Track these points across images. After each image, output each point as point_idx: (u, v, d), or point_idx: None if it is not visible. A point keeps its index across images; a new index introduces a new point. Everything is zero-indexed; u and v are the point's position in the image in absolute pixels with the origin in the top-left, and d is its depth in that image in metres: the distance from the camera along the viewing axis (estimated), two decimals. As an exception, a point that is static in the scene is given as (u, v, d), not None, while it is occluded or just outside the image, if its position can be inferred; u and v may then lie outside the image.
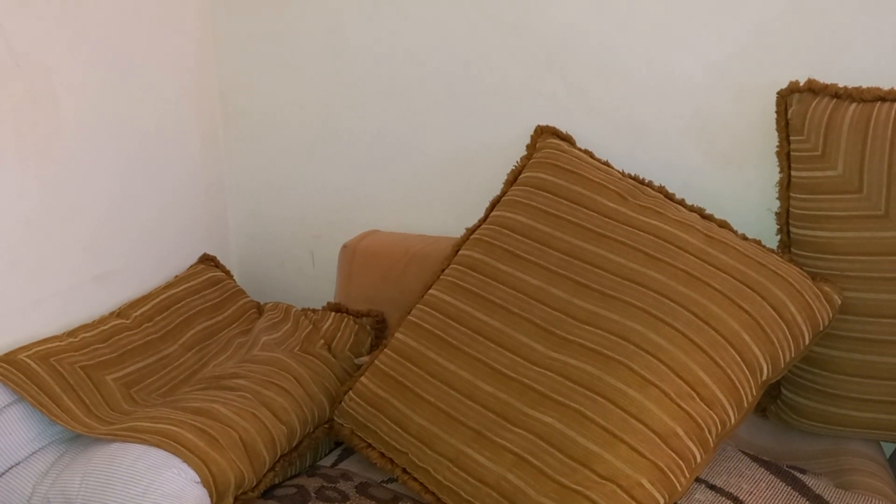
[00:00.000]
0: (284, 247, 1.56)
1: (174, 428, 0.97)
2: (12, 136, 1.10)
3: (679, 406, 0.92)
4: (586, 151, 1.24)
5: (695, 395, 0.93)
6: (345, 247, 1.39)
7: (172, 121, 1.41)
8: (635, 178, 1.19)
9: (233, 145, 1.55)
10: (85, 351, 1.11)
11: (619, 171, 1.20)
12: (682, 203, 1.15)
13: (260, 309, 1.39)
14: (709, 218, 1.12)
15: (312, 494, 1.01)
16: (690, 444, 0.91)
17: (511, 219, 1.16)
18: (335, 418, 1.14)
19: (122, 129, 1.29)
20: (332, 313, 1.33)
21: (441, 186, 1.43)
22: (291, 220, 1.54)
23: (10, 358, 1.03)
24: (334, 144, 1.49)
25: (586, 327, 1.00)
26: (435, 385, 1.04)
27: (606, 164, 1.22)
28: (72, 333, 1.14)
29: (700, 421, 0.92)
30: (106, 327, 1.17)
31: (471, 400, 1.00)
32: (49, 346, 1.08)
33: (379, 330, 1.32)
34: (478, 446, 0.96)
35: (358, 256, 1.36)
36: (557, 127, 1.28)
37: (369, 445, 1.09)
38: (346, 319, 1.31)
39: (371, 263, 1.35)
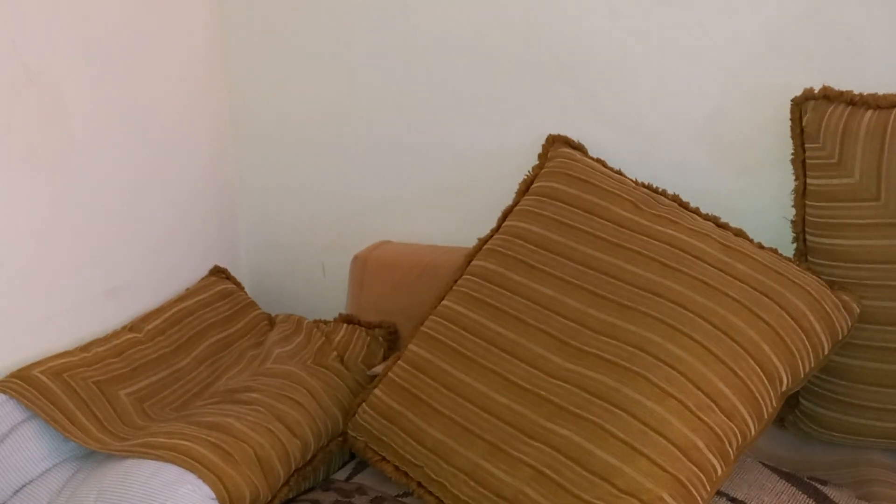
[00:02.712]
0: (295, 258, 1.55)
1: (188, 443, 0.96)
2: (24, 151, 1.10)
3: (699, 418, 0.91)
4: (598, 160, 1.23)
5: (715, 407, 0.92)
6: (356, 258, 1.38)
7: (182, 133, 1.41)
8: (649, 187, 1.18)
9: (243, 156, 1.55)
10: (98, 366, 1.11)
11: (632, 180, 1.19)
12: (696, 212, 1.14)
13: (271, 321, 1.38)
14: (724, 227, 1.11)
15: (327, 509, 1.00)
16: (711, 456, 0.90)
17: (524, 229, 1.15)
18: (349, 431, 1.13)
19: (133, 142, 1.29)
20: (344, 325, 1.32)
21: (452, 196, 1.42)
22: (302, 231, 1.54)
23: (23, 374, 1.03)
24: (344, 154, 1.48)
25: (603, 338, 0.99)
26: (449, 397, 1.03)
27: (619, 172, 1.21)
28: (84, 348, 1.14)
29: (720, 433, 0.91)
30: (118, 341, 1.17)
31: (486, 412, 0.99)
32: (62, 361, 1.08)
33: (391, 341, 1.31)
34: (494, 460, 0.95)
35: (369, 267, 1.35)
36: (568, 135, 1.27)
37: (383, 458, 1.08)
38: (358, 331, 1.31)
39: (382, 274, 1.34)
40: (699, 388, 0.92)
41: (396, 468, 1.06)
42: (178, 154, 1.40)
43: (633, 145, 1.29)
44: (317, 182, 1.51)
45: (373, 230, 1.46)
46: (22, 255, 1.10)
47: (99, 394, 1.06)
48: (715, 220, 1.12)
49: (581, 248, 1.08)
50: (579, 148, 1.26)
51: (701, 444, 0.90)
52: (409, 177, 1.44)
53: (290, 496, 1.06)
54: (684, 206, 1.15)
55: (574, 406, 0.94)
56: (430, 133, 1.41)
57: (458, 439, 0.99)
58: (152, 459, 0.93)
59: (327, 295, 1.51)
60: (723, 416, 0.92)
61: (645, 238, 1.07)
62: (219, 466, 0.94)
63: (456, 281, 1.17)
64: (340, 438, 1.14)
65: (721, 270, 1.02)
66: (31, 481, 0.97)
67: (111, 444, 0.99)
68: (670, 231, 1.07)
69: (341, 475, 1.12)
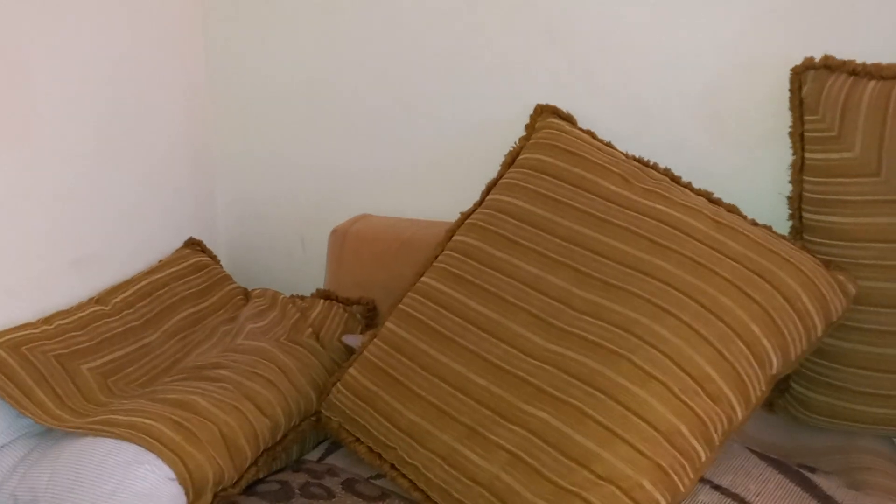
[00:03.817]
0: (274, 231, 1.51)
1: (149, 421, 0.92)
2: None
3: (683, 402, 0.87)
4: (588, 132, 1.18)
5: (700, 391, 0.88)
6: (335, 231, 1.33)
7: (155, 99, 1.35)
8: (639, 161, 1.13)
9: (220, 124, 1.49)
10: (60, 339, 1.06)
11: (622, 153, 1.13)
12: (688, 186, 1.09)
13: (247, 295, 1.34)
14: (717, 202, 1.06)
15: (297, 491, 0.96)
16: (695, 442, 0.86)
17: (508, 203, 1.10)
18: (322, 411, 1.09)
19: (102, 108, 1.23)
20: (322, 301, 1.27)
21: (436, 169, 1.37)
22: (281, 203, 1.49)
23: (-22, 347, 0.98)
24: (326, 124, 1.43)
25: (586, 318, 0.94)
26: (426, 378, 0.99)
27: (609, 145, 1.15)
28: (47, 321, 1.09)
29: (705, 418, 0.87)
30: (83, 314, 1.12)
31: (463, 394, 0.95)
32: (21, 333, 1.03)
33: (370, 318, 1.27)
34: (470, 443, 0.91)
35: (348, 241, 1.30)
36: (558, 106, 1.22)
37: (357, 440, 1.04)
38: (335, 307, 1.26)
39: (362, 249, 1.29)
40: (685, 371, 0.88)
41: (370, 450, 1.02)
42: (151, 120, 1.34)
43: (625, 118, 1.24)
44: (297, 152, 1.46)
45: (354, 204, 1.41)
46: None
47: (59, 368, 1.02)
48: (707, 196, 1.07)
49: (566, 224, 1.03)
50: (568, 119, 1.20)
51: (684, 429, 0.86)
52: (393, 148, 1.39)
53: (259, 476, 1.02)
54: (676, 180, 1.10)
55: (553, 388, 0.90)
56: (415, 103, 1.36)
57: (433, 422, 0.95)
58: (109, 437, 0.89)
59: (306, 270, 1.47)
60: (708, 401, 0.88)
61: (634, 214, 1.02)
62: (180, 446, 0.90)
63: (436, 257, 1.12)
64: (313, 418, 1.10)
65: (712, 248, 0.97)
66: (-17, 459, 0.93)
67: (69, 420, 0.95)
68: (660, 206, 1.02)
69: (313, 456, 1.08)
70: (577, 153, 1.12)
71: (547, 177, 1.10)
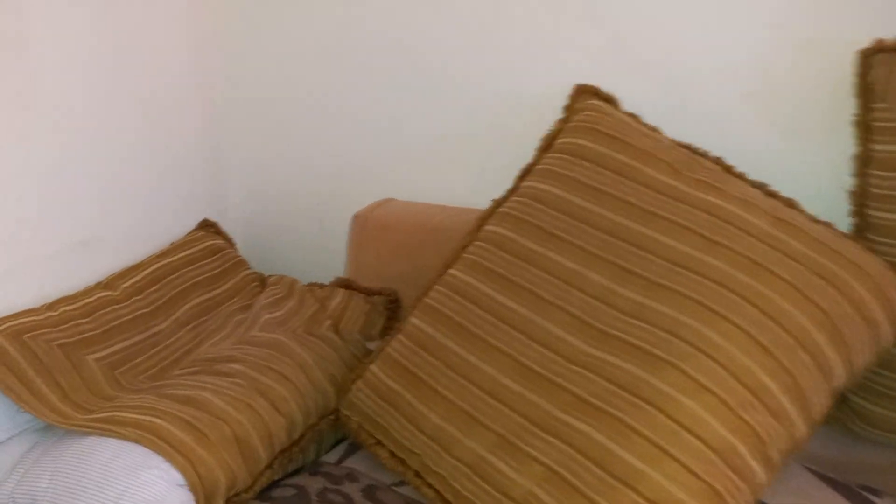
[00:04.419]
0: (291, 213, 1.44)
1: (157, 420, 0.86)
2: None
3: (739, 416, 0.79)
4: (631, 115, 1.09)
5: (758, 404, 0.80)
6: (356, 217, 1.26)
7: (168, 70, 1.28)
8: (688, 148, 1.04)
9: (234, 100, 1.41)
10: (64, 327, 1.00)
11: (669, 139, 1.05)
12: (742, 177, 1.00)
13: (263, 282, 1.27)
14: (774, 195, 0.97)
15: (314, 497, 0.90)
16: (752, 461, 0.78)
17: (544, 191, 1.02)
18: (341, 409, 1.03)
19: (111, 78, 1.16)
20: (342, 290, 1.21)
21: (464, 150, 1.30)
22: (299, 184, 1.42)
23: (-23, 335, 0.92)
24: (346, 100, 1.36)
25: (631, 321, 0.86)
26: (453, 379, 0.92)
27: (655, 130, 1.07)
28: (51, 307, 1.03)
29: (763, 434, 0.79)
30: (90, 300, 1.06)
31: (494, 399, 0.88)
32: (23, 320, 0.97)
33: (392, 310, 1.20)
34: (502, 454, 0.84)
35: (370, 228, 1.23)
36: (595, 83, 1.13)
37: (378, 442, 0.97)
38: (355, 297, 1.19)
39: (384, 236, 1.22)
40: (740, 382, 0.80)
41: (392, 454, 0.95)
42: (164, 94, 1.27)
43: (666, 100, 1.15)
44: (316, 132, 1.39)
45: (376, 186, 1.34)
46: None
47: (64, 358, 0.96)
48: (763, 188, 0.98)
49: (609, 216, 0.95)
50: (610, 100, 1.12)
51: (741, 447, 0.78)
52: (417, 127, 1.32)
53: (274, 479, 0.96)
54: (728, 170, 1.01)
55: (595, 397, 0.82)
56: (441, 80, 1.29)
57: (461, 427, 0.88)
58: (115, 438, 0.83)
59: (325, 255, 1.40)
60: (767, 415, 0.80)
61: (683, 206, 0.93)
62: (190, 448, 0.84)
63: (465, 247, 1.05)
64: (332, 417, 1.03)
65: (770, 246, 0.89)
66: (-19, 456, 0.87)
67: (72, 416, 0.89)
68: (713, 199, 0.93)
69: (332, 457, 1.02)
70: (621, 138, 1.03)
71: (587, 163, 1.02)
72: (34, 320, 0.98)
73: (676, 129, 1.08)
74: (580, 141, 1.05)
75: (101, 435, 0.84)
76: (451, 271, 1.03)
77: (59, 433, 0.88)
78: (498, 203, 1.07)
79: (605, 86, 1.14)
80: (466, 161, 1.29)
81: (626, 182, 0.98)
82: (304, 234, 1.43)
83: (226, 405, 0.90)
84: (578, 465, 0.79)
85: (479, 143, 1.28)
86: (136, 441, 0.82)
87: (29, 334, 0.95)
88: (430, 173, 1.32)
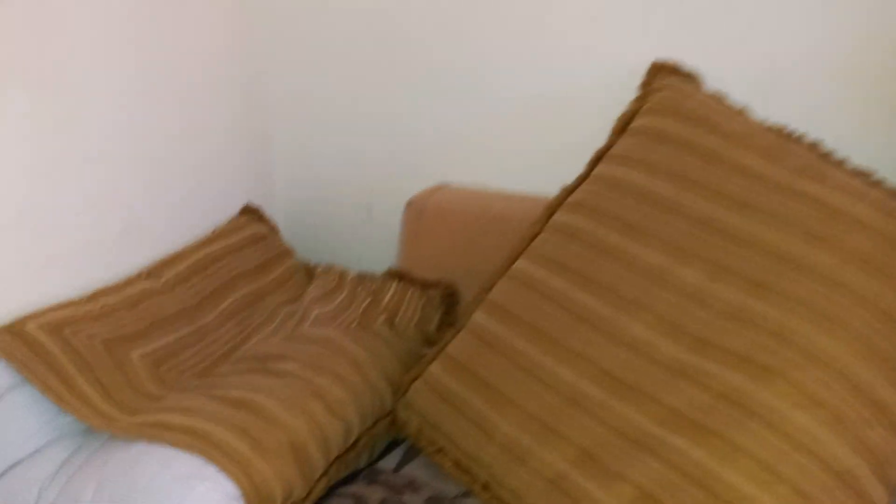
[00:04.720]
0: (338, 197, 1.36)
1: (209, 425, 0.79)
2: (16, 67, 0.90)
3: (857, 434, 0.70)
4: (716, 95, 1.00)
5: (877, 420, 0.71)
6: (411, 203, 1.18)
7: (208, 47, 1.20)
8: (782, 131, 0.94)
9: (280, 77, 1.33)
10: (106, 320, 0.94)
11: (760, 122, 0.95)
12: (842, 164, 0.90)
13: (310, 272, 1.20)
14: (879, 185, 0.87)
15: (374, 509, 0.83)
16: (872, 484, 0.70)
17: (622, 178, 0.93)
18: (399, 411, 0.96)
19: (148, 54, 1.09)
20: (395, 282, 1.13)
21: (525, 132, 1.21)
22: (346, 167, 1.34)
23: (15, 329, 0.86)
24: (397, 78, 1.27)
25: (728, 324, 0.78)
26: (525, 384, 0.84)
27: (743, 111, 0.97)
28: (91, 298, 0.96)
29: (884, 454, 0.71)
30: (132, 292, 1.00)
31: (574, 407, 0.80)
32: (62, 313, 0.91)
33: (449, 304, 1.12)
34: (584, 470, 0.76)
35: (427, 215, 1.15)
36: (672, 59, 1.03)
37: (441, 450, 0.90)
38: (410, 290, 1.11)
39: (442, 224, 1.14)
40: (857, 395, 0.72)
41: (457, 463, 0.88)
42: (208, 75, 1.19)
43: (751, 80, 1.05)
44: (365, 112, 1.30)
45: (429, 170, 1.26)
46: (16, 188, 0.92)
47: (106, 355, 0.89)
48: (865, 176, 0.89)
49: (698, 206, 0.86)
50: (691, 78, 1.02)
51: (860, 469, 0.69)
52: (474, 107, 1.23)
53: (329, 485, 0.89)
54: (826, 156, 0.91)
55: (691, 410, 0.74)
56: (500, 54, 1.20)
57: (537, 438, 0.80)
58: (164, 445, 0.76)
59: (373, 242, 1.33)
60: (888, 433, 0.71)
61: (782, 196, 0.84)
62: (245, 457, 0.77)
63: (533, 237, 0.97)
64: (388, 418, 0.96)
65: (881, 242, 0.79)
66: (19, 461, 0.81)
67: (117, 419, 0.82)
68: (815, 188, 0.84)
69: (389, 463, 0.95)
70: (707, 120, 0.94)
71: (670, 147, 0.93)
72: (74, 313, 0.92)
73: (759, 113, 0.98)
74: (661, 123, 0.96)
75: (150, 441, 0.77)
76: (519, 264, 0.95)
77: (102, 437, 0.82)
78: (568, 190, 0.99)
79: (681, 62, 1.05)
80: (527, 144, 1.20)
81: (715, 169, 0.89)
82: (351, 221, 1.35)
83: (280, 409, 0.84)
84: (675, 486, 0.71)
85: (542, 125, 1.19)
86: (187, 449, 0.76)
87: (69, 328, 0.89)
88: (488, 157, 1.23)
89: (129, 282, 1.02)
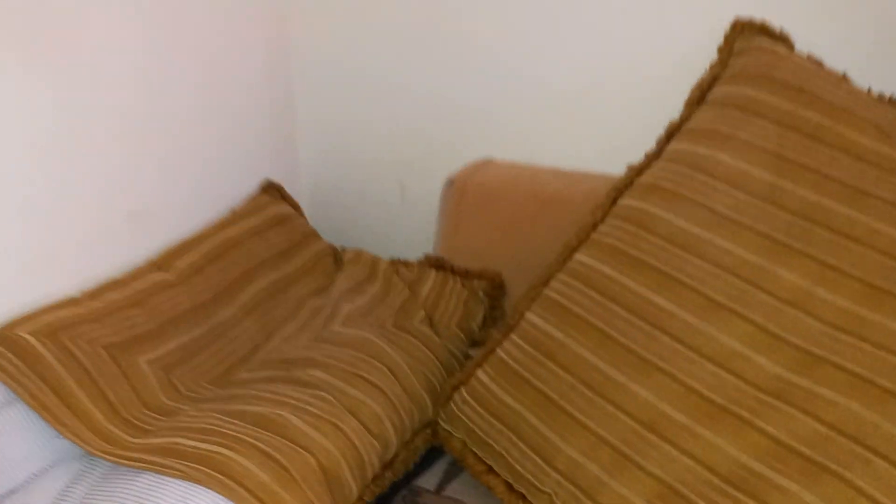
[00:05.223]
0: (367, 173, 1.24)
1: (228, 452, 0.68)
2: (16, 45, 0.78)
3: None
4: (812, 59, 0.85)
5: None
6: (451, 182, 1.05)
7: (229, 6, 1.07)
8: (892, 101, 0.80)
9: (304, 39, 1.20)
10: (111, 320, 0.83)
11: (867, 91, 0.81)
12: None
13: (338, 257, 1.08)
14: None
15: (416, 540, 0.73)
16: None
17: (704, 157, 0.80)
18: (441, 423, 0.85)
19: (165, 13, 0.96)
20: (433, 271, 1.01)
21: (581, 103, 1.08)
22: (377, 141, 1.22)
23: (4, 335, 0.75)
24: (436, 43, 1.14)
25: (841, 336, 0.65)
26: (593, 402, 0.73)
27: (845, 78, 0.83)
28: (94, 294, 0.85)
29: None
30: (141, 285, 0.88)
31: (653, 433, 0.68)
32: (61, 313, 0.80)
33: (495, 298, 1.00)
34: (669, 509, 0.65)
35: (469, 196, 1.03)
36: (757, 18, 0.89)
37: (490, 470, 0.79)
38: (451, 281, 0.99)
39: (487, 207, 1.02)
40: None
41: (510, 488, 0.77)
42: (225, 41, 1.06)
43: (846, 44, 0.90)
44: (398, 80, 1.18)
45: (471, 143, 1.13)
46: (14, 167, 0.80)
47: (110, 363, 0.79)
48: None
49: (801, 194, 0.73)
50: (783, 38, 0.87)
51: None
52: (524, 76, 1.09)
53: (364, 507, 0.79)
54: (949, 132, 0.77)
55: (800, 443, 0.62)
56: (553, 16, 1.05)
57: (609, 467, 0.69)
58: (176, 478, 0.66)
59: (405, 224, 1.21)
60: None
61: (902, 181, 0.71)
62: (270, 491, 0.66)
63: (595, 226, 0.84)
64: (427, 429, 0.85)
65: None
66: (12, 491, 0.70)
67: (122, 442, 0.72)
68: (943, 173, 0.70)
69: (430, 482, 0.84)
70: (805, 89, 0.80)
71: (762, 121, 0.79)
72: (74, 313, 0.81)
73: (859, 80, 0.84)
74: (749, 91, 0.82)
75: (160, 472, 0.67)
76: (579, 256, 0.83)
77: (106, 462, 0.71)
78: (637, 170, 0.86)
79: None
80: (585, 114, 1.07)
81: (819, 148, 0.75)
82: (382, 201, 1.23)
83: (310, 429, 0.73)
84: (785, 539, 0.60)
85: (601, 94, 1.05)
86: (205, 483, 0.65)
87: (68, 332, 0.78)
88: (539, 129, 1.10)
89: (136, 274, 0.91)
